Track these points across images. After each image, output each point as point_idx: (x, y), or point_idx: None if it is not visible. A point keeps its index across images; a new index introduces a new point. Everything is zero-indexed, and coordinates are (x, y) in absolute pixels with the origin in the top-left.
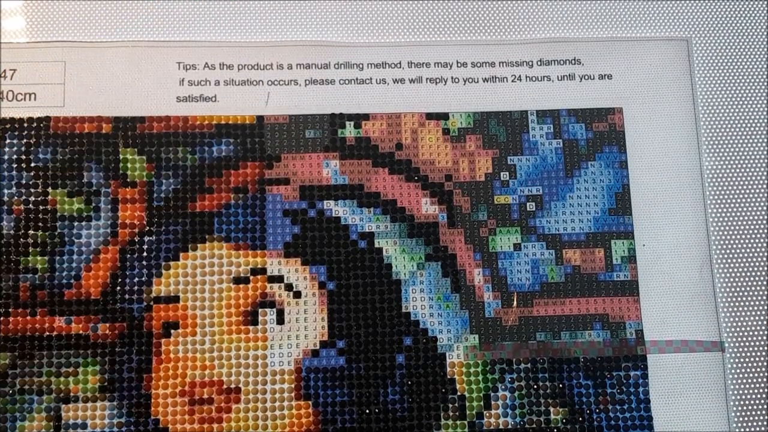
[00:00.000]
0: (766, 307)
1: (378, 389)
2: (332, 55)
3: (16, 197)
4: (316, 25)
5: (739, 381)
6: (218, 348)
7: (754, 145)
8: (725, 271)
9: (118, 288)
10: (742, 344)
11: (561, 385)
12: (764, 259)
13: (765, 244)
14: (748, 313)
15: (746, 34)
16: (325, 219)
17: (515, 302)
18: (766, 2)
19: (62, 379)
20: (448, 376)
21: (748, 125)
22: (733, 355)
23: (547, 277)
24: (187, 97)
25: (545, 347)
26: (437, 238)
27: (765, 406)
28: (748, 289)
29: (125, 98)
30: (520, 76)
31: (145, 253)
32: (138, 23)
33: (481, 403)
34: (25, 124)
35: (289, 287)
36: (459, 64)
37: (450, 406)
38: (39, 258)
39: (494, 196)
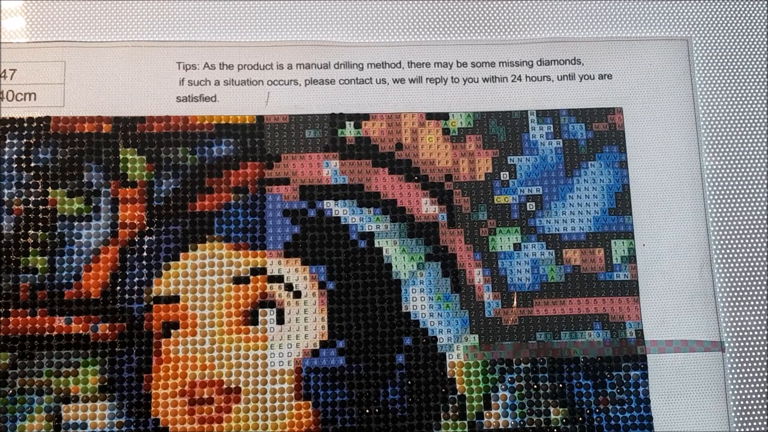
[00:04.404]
0: (766, 307)
1: (378, 389)
2: (332, 55)
3: (16, 197)
4: (316, 25)
5: (739, 381)
6: (218, 348)
7: (754, 145)
8: (725, 271)
9: (118, 288)
10: (742, 344)
11: (561, 385)
12: (764, 259)
13: (765, 244)
14: (748, 313)
15: (746, 34)
16: (325, 219)
17: (515, 302)
18: (766, 2)
19: (62, 379)
20: (448, 376)
21: (748, 125)
22: (733, 355)
23: (547, 277)
24: (187, 97)
25: (545, 347)
26: (437, 238)
27: (765, 406)
28: (748, 289)
29: (125, 98)
30: (520, 76)
31: (145, 253)
32: (138, 23)
33: (481, 403)
34: (25, 124)
35: (289, 287)
36: (459, 64)
37: (450, 406)
38: (39, 258)
39: (494, 196)
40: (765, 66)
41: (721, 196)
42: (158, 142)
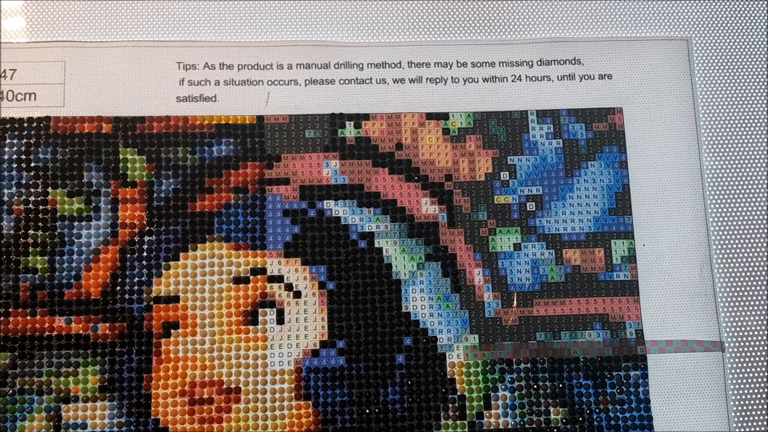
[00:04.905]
0: (766, 307)
1: (378, 389)
2: (332, 55)
3: (16, 197)
4: (316, 25)
5: (739, 381)
6: (218, 348)
7: (754, 145)
8: (725, 271)
9: (118, 288)
10: (742, 344)
11: (561, 385)
12: (764, 259)
13: (765, 244)
14: (748, 313)
15: (746, 34)
16: (325, 219)
17: (515, 302)
18: (766, 2)
19: (62, 379)
20: (448, 376)
21: (748, 125)
22: (733, 355)
23: (547, 277)
24: (187, 97)
25: (545, 347)
26: (437, 238)
27: (765, 406)
28: (748, 289)
29: (125, 98)
30: (520, 76)
31: (145, 253)
32: (138, 23)
33: (481, 403)
34: (25, 124)
35: (289, 287)
36: (459, 64)
37: (450, 406)
38: (39, 258)
39: (494, 196)
40: (765, 66)
41: (721, 196)
42: (158, 142)
